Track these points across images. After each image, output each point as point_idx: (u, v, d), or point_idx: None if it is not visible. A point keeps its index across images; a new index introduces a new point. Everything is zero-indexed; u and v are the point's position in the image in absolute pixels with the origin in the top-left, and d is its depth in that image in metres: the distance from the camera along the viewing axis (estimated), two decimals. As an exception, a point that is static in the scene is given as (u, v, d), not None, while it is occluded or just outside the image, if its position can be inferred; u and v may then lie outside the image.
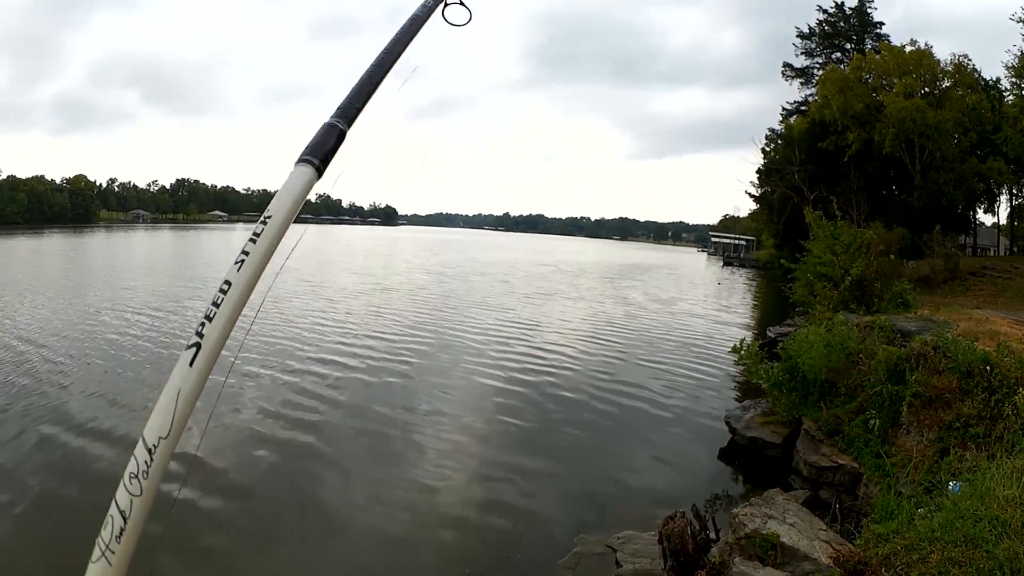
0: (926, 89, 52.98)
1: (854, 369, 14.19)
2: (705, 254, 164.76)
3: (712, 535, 9.68)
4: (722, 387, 21.71)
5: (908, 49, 54.72)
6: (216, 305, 1.79)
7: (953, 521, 7.04)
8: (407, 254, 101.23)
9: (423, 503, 12.19)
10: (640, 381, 21.61)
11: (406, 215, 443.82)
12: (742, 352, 17.61)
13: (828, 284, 22.15)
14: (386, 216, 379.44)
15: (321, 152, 2.09)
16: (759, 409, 16.17)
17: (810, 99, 67.25)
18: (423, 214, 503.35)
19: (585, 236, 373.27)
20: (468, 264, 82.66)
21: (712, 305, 48.37)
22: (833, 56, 68.41)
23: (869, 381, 13.12)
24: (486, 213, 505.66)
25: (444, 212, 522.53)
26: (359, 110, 2.31)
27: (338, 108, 2.27)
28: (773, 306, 42.28)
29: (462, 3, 2.94)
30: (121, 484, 1.69)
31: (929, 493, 8.76)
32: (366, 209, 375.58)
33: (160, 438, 1.72)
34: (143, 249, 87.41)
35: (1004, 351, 11.15)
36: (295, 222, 2.13)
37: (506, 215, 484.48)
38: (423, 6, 2.80)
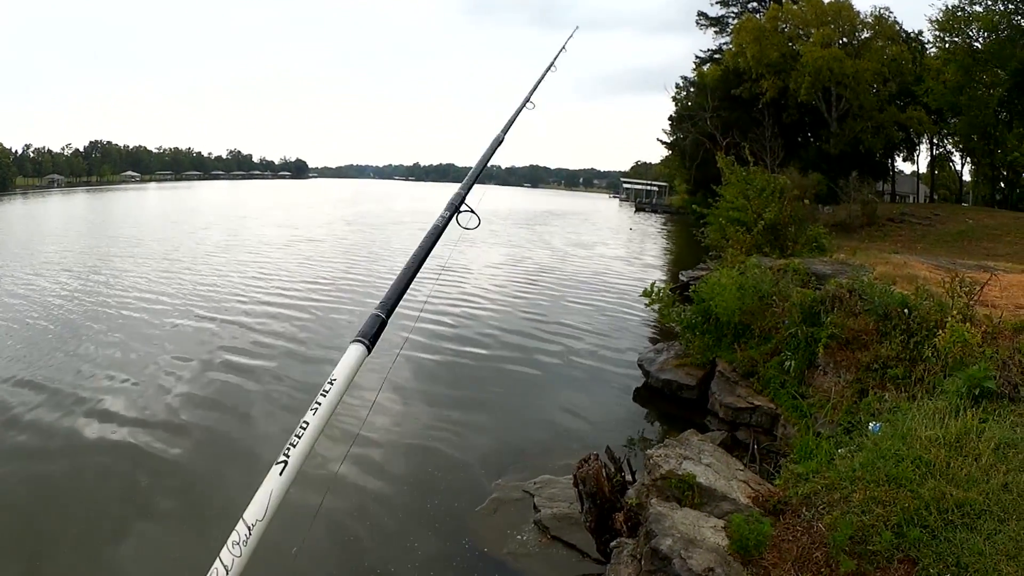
0: (844, 40, 53.91)
1: (768, 311, 14.29)
2: (617, 200, 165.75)
3: (628, 477, 9.56)
4: (635, 330, 21.83)
5: (827, 0, 55.36)
6: (298, 437, 2.30)
7: (875, 460, 7.03)
8: (326, 206, 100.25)
9: (338, 451, 11.98)
10: (553, 327, 21.65)
11: (317, 168, 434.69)
12: (653, 295, 17.64)
13: (741, 228, 22.25)
14: (297, 169, 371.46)
15: (369, 335, 2.67)
16: (673, 352, 16.25)
17: (724, 48, 67.68)
18: (333, 166, 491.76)
19: (496, 184, 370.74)
20: (386, 214, 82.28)
21: (624, 250, 48.81)
22: (749, 6, 68.75)
23: (784, 323, 13.24)
24: (396, 163, 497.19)
25: (355, 164, 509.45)
26: (396, 303, 2.91)
27: (380, 302, 2.87)
28: (686, 250, 42.84)
29: (472, 211, 3.87)
30: (225, 547, 2.07)
31: (849, 433, 8.78)
32: (277, 163, 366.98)
33: (257, 520, 2.16)
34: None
35: (923, 295, 11.24)
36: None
37: (416, 165, 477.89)
38: (442, 217, 3.73)
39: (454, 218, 3.81)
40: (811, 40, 52.16)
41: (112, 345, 18.59)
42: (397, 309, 2.71)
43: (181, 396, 14.79)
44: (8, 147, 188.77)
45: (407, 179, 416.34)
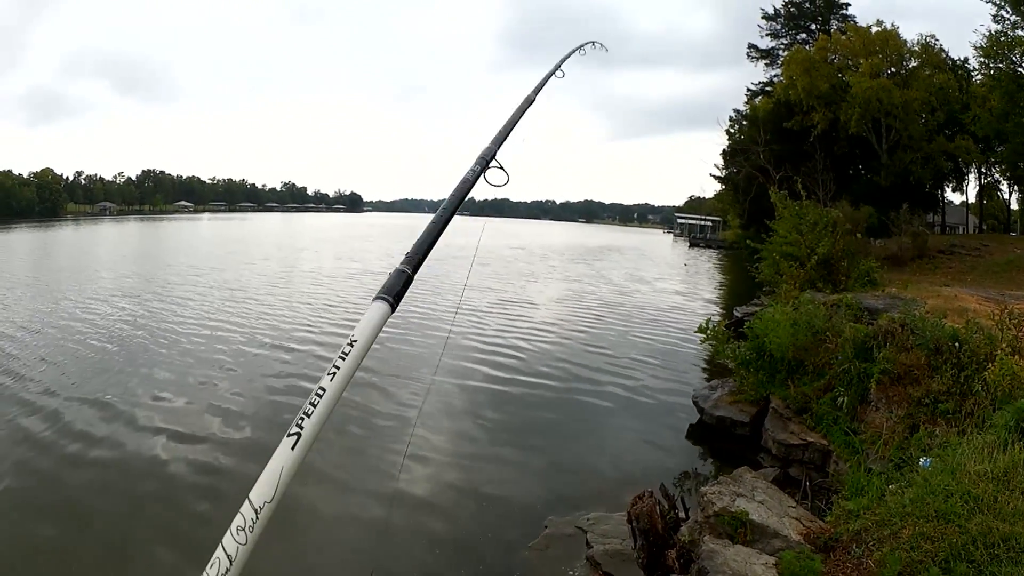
0: (892, 69, 53.23)
1: (821, 347, 14.21)
2: (671, 235, 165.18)
3: (681, 514, 9.66)
4: (690, 367, 21.79)
5: (874, 30, 54.90)
6: (313, 405, 2.15)
7: (924, 496, 7.06)
8: (383, 240, 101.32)
9: (396, 485, 12.22)
10: (609, 362, 21.73)
11: (371, 201, 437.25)
12: (708, 332, 17.65)
13: (794, 263, 22.18)
14: (352, 202, 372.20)
15: (394, 292, 2.57)
16: (727, 388, 16.21)
17: (775, 80, 67.19)
18: (388, 200, 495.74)
19: (551, 219, 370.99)
20: (443, 248, 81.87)
21: (680, 285, 48.72)
22: (798, 37, 68.19)
23: (837, 359, 13.16)
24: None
25: (410, 198, 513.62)
26: (422, 259, 2.89)
27: (406, 256, 2.83)
28: (740, 286, 42.70)
29: (501, 167, 3.73)
30: (229, 532, 1.96)
31: (899, 469, 8.80)
32: (331, 196, 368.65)
33: (265, 502, 2.02)
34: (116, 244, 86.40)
35: (973, 328, 11.22)
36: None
37: (471, 199, 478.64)
38: (472, 171, 3.62)
39: (483, 173, 3.70)
40: (860, 70, 51.65)
41: (175, 370, 19.29)
42: (452, 335, 2.77)
43: (243, 418, 15.37)
44: (59, 173, 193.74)
45: (461, 213, 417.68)
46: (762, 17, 69.72)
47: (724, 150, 75.62)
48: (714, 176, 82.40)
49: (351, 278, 45.30)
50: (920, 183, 52.65)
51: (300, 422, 2.12)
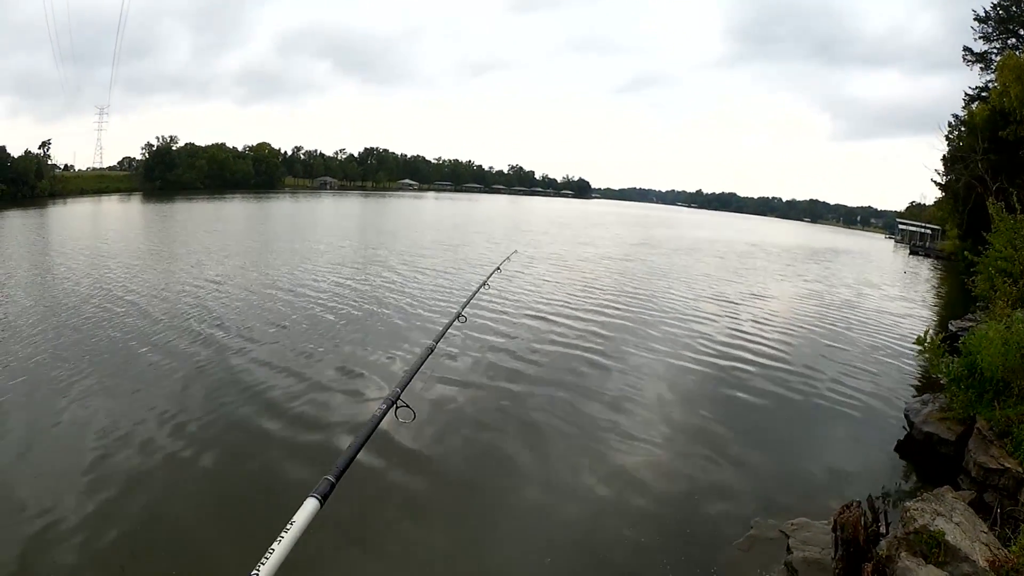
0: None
1: (1027, 370, 13.42)
2: (892, 241, 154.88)
3: (882, 529, 9.56)
4: (905, 377, 20.56)
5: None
6: None
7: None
8: (617, 228, 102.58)
9: (607, 467, 12.31)
10: (825, 366, 20.97)
11: (599, 188, 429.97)
12: (926, 344, 16.88)
13: (1008, 280, 20.77)
14: (579, 189, 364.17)
15: (323, 493, 2.81)
16: (937, 404, 15.29)
17: (991, 85, 61.83)
18: (616, 188, 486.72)
19: (776, 217, 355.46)
20: (679, 240, 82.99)
21: (899, 294, 45.47)
22: (1009, 42, 62.31)
23: (1040, 383, 12.45)
24: (679, 189, 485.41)
25: (637, 187, 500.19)
26: (345, 469, 3.06)
27: (336, 465, 3.06)
28: (955, 299, 39.50)
29: (408, 406, 3.77)
30: None
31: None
32: (559, 181, 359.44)
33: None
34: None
35: None
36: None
37: (699, 192, 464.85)
38: (380, 408, 3.68)
39: (392, 410, 3.76)
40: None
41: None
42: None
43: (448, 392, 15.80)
44: (276, 147, 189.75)
45: (689, 206, 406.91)
46: (974, 19, 64.11)
47: (944, 156, 70.48)
48: (935, 183, 76.54)
49: (595, 262, 46.86)
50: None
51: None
